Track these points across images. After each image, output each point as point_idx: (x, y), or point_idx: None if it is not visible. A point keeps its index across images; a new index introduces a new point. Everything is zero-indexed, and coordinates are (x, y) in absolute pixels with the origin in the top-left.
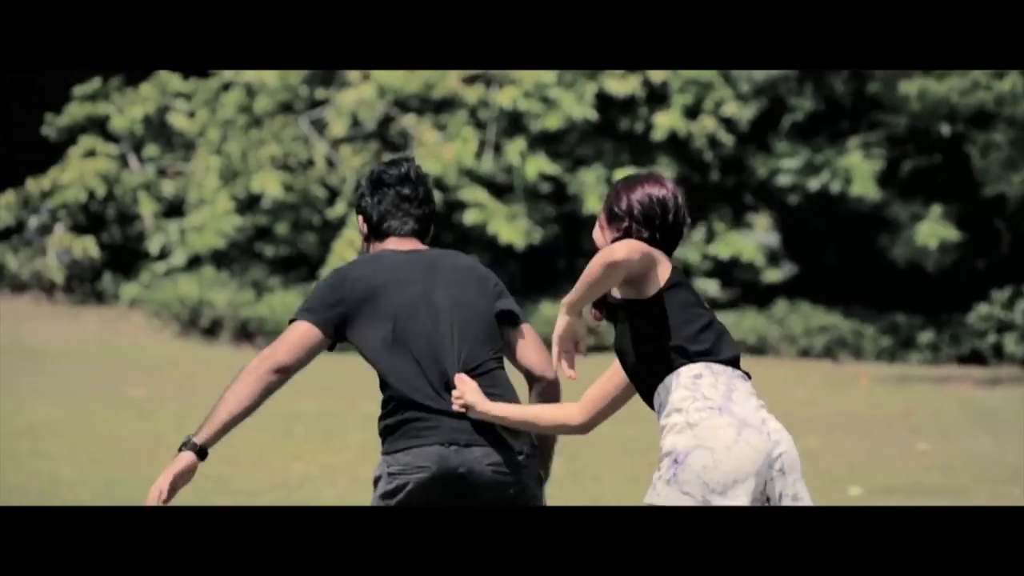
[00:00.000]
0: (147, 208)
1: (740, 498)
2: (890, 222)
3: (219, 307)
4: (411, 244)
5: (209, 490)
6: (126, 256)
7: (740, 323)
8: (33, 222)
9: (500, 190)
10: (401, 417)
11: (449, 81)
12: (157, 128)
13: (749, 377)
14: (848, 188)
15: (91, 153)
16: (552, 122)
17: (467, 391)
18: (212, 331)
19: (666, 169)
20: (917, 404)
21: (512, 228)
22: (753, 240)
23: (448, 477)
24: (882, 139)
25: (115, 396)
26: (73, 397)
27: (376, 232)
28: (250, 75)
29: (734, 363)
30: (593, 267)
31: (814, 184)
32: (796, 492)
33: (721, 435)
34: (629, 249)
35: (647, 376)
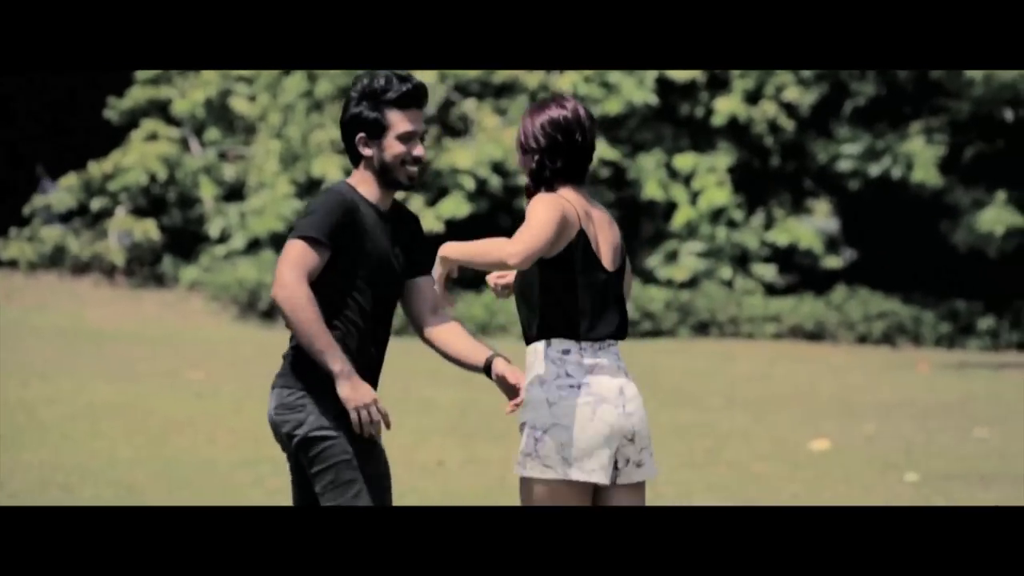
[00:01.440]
0: (207, 191)
1: (596, 472)
2: (951, 208)
3: None
4: None
5: (267, 473)
6: (186, 239)
7: (798, 309)
8: (95, 205)
9: None
10: None
11: None
12: (218, 112)
13: (622, 336)
14: (909, 174)
15: (153, 136)
16: (613, 107)
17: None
18: (270, 314)
19: (726, 155)
20: (976, 390)
21: None
22: (812, 226)
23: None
24: (944, 124)
25: (173, 378)
26: (132, 379)
27: None
28: None
29: (612, 335)
30: (491, 253)
31: (875, 170)
32: (641, 459)
33: (578, 414)
34: (527, 251)
35: (525, 322)
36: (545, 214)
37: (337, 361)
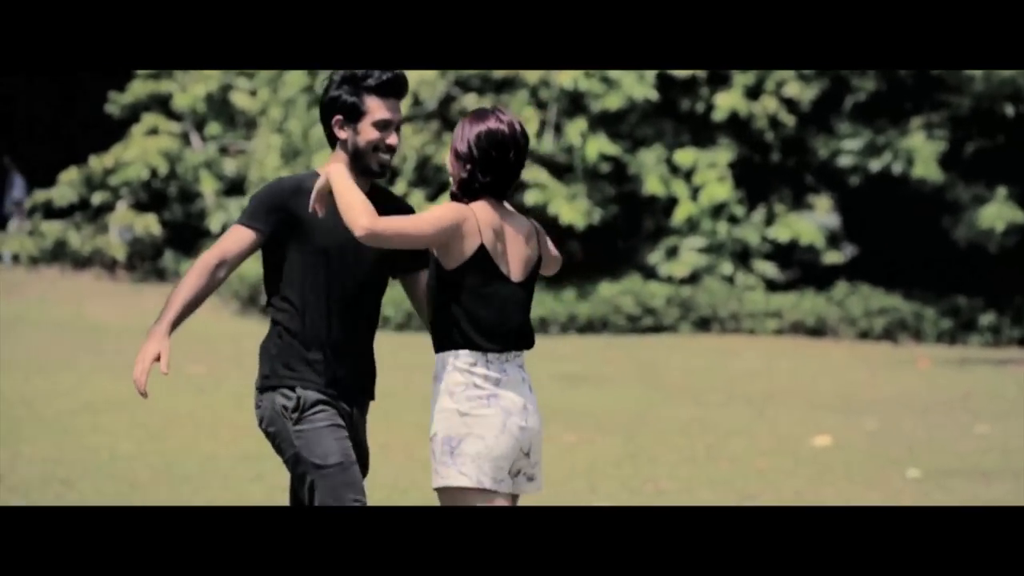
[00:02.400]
0: (208, 186)
1: (504, 483)
2: (952, 204)
3: None
4: None
5: (268, 468)
6: (187, 233)
7: (799, 304)
8: (96, 199)
9: (561, 170)
10: None
11: None
12: (219, 106)
13: (528, 346)
14: (910, 170)
15: (154, 131)
16: (613, 102)
17: None
18: None
19: (726, 150)
20: (977, 386)
21: (572, 208)
22: (813, 222)
23: None
24: (945, 120)
25: (174, 373)
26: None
27: None
28: None
29: (516, 346)
30: (352, 209)
31: (876, 165)
32: (533, 474)
33: (490, 424)
34: (380, 234)
35: (432, 331)
36: (438, 218)
37: (159, 321)
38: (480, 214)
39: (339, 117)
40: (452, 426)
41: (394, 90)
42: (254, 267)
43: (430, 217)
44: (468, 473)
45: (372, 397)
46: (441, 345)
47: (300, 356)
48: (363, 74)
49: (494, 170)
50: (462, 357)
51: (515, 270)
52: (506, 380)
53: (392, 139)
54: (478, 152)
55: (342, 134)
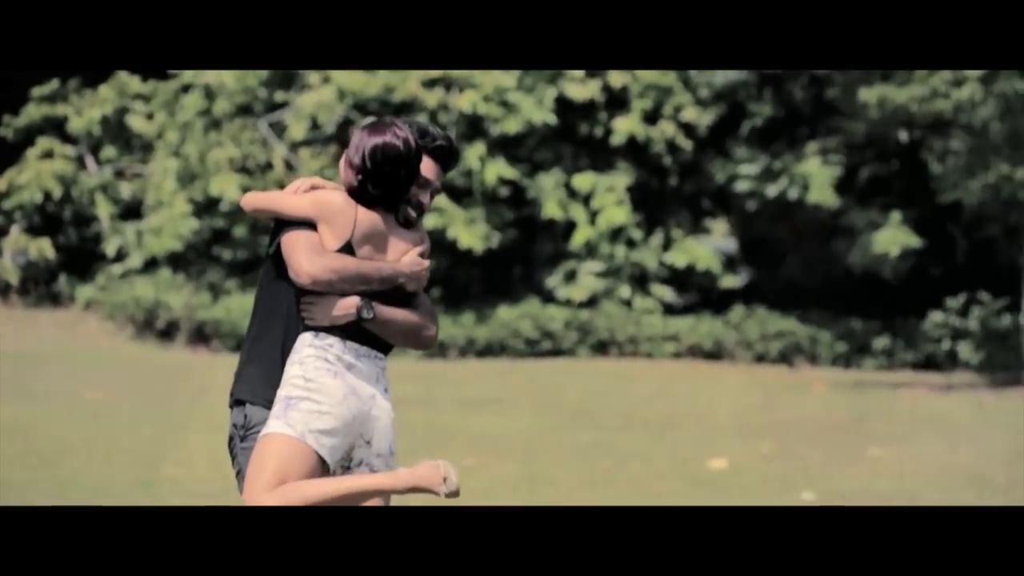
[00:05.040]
0: (104, 210)
1: (325, 449)
2: (847, 228)
3: (175, 310)
4: None
5: (165, 492)
6: (82, 258)
7: (697, 328)
8: None
9: (459, 194)
10: None
11: (409, 84)
12: (115, 130)
13: (384, 351)
14: (806, 194)
15: (48, 154)
16: (512, 126)
17: None
18: (168, 333)
19: (624, 174)
20: (871, 410)
21: (471, 232)
22: (710, 246)
23: None
24: (840, 145)
25: (70, 398)
26: (27, 399)
27: None
28: (209, 77)
29: (371, 344)
30: (268, 202)
31: (772, 190)
32: (374, 467)
33: (329, 392)
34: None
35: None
36: (328, 196)
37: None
38: (361, 215)
39: None
40: (295, 388)
41: (444, 158)
42: (150, 291)
43: (323, 199)
44: (294, 425)
45: None
46: (305, 326)
47: (267, 378)
48: (421, 132)
49: (385, 184)
50: (321, 336)
51: None
52: (358, 370)
53: (424, 198)
54: (372, 165)
55: None
